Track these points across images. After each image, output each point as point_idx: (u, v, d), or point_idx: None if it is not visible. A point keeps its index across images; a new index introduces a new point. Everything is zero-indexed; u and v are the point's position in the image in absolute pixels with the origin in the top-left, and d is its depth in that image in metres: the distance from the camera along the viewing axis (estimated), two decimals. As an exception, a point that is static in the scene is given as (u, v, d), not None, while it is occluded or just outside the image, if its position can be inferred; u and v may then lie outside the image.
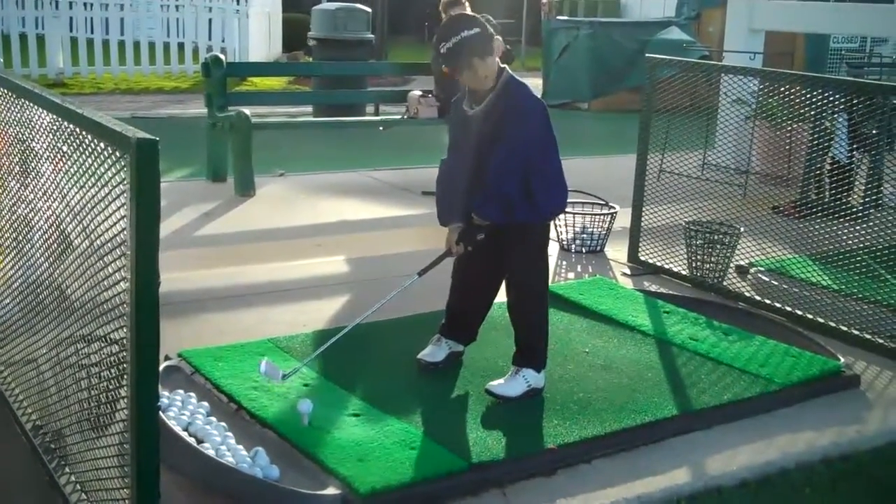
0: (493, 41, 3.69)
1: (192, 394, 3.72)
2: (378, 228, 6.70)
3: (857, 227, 5.13)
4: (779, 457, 3.58)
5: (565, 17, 16.56)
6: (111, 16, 15.88)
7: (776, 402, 3.98)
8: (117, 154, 2.49)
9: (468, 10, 7.86)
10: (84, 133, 2.74)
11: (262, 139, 7.87)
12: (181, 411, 3.54)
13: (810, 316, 4.94)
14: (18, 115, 3.46)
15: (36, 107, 3.22)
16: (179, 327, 4.48)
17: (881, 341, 4.62)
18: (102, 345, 2.82)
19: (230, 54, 15.59)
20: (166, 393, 3.64)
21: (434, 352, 4.11)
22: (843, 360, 4.36)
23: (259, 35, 17.15)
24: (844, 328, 4.78)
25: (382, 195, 7.67)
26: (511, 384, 3.83)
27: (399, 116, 8.66)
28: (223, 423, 3.50)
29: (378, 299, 4.02)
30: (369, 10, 12.28)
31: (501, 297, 4.06)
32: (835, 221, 5.26)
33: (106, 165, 2.58)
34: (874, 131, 6.06)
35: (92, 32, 15.43)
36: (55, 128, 3.03)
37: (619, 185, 6.50)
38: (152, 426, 2.53)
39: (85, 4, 16.09)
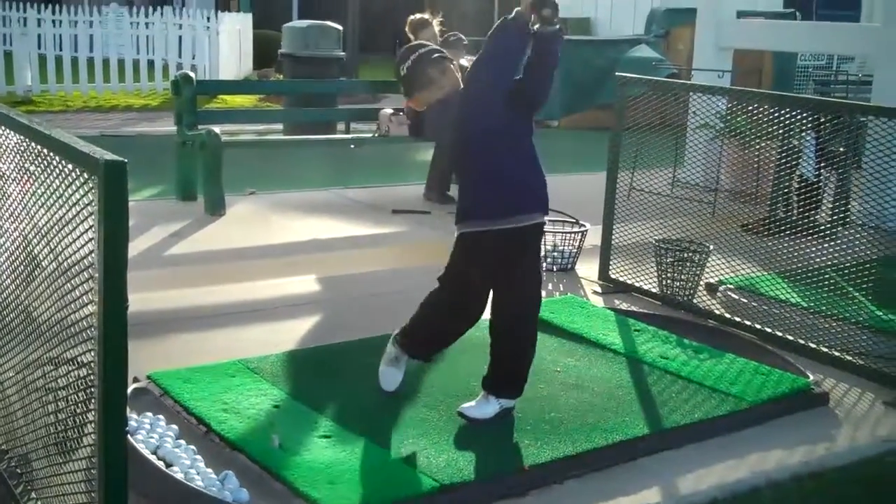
0: (438, 66, 3.70)
1: (161, 416, 3.68)
2: (349, 247, 6.68)
3: (826, 245, 5.17)
4: (749, 475, 3.59)
5: (536, 35, 16.60)
6: (80, 32, 15.81)
7: (746, 421, 4.00)
8: (85, 176, 2.47)
9: (436, 31, 7.90)
10: (52, 154, 2.71)
11: (233, 157, 7.84)
12: (150, 434, 3.51)
13: (779, 333, 4.96)
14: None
15: (2, 127, 3.19)
16: (149, 348, 4.44)
17: (849, 358, 4.66)
18: (70, 368, 2.79)
19: (200, 71, 15.55)
20: (135, 415, 3.61)
21: (395, 376, 4.04)
22: (811, 377, 4.39)
23: (230, 52, 17.11)
24: (813, 345, 4.81)
25: (353, 213, 7.66)
26: (483, 406, 3.81)
27: (370, 134, 8.65)
28: (192, 446, 3.47)
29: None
30: (340, 27, 12.29)
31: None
32: (803, 239, 5.31)
33: (74, 187, 2.56)
34: (841, 149, 6.12)
35: (60, 49, 15.35)
36: (22, 148, 3.00)
37: (589, 203, 6.51)
38: (120, 451, 2.50)
39: (53, 21, 16.02)
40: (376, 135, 8.46)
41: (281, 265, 6.09)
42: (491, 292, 3.83)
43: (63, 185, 2.64)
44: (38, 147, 2.83)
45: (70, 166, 2.58)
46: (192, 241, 6.65)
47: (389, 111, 8.35)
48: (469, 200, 3.73)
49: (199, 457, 3.39)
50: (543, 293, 5.60)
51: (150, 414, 3.68)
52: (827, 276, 5.10)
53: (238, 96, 14.70)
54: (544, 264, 6.07)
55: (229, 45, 17.11)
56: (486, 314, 3.90)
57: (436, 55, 3.76)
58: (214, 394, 3.92)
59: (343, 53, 12.51)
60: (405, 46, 3.86)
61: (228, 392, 3.94)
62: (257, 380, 4.11)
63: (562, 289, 5.79)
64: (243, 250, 6.46)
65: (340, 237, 6.93)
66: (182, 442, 3.50)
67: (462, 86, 3.72)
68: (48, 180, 2.77)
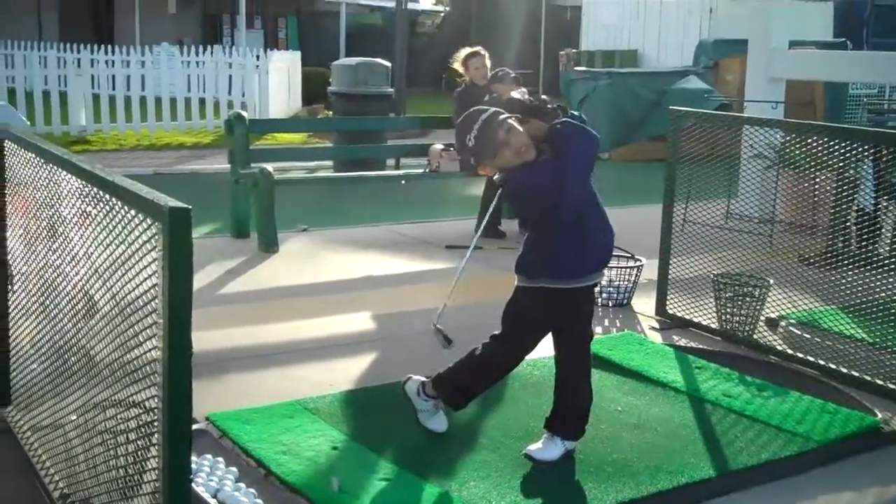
0: (503, 127, 3.60)
1: (221, 458, 3.66)
2: (402, 283, 6.66)
3: (888, 277, 5.05)
4: (820, 518, 3.49)
5: (583, 69, 16.62)
6: (132, 73, 16.05)
7: (814, 461, 3.89)
8: (148, 221, 2.48)
9: (487, 62, 7.95)
10: (115, 200, 2.72)
11: (284, 194, 7.87)
12: (209, 477, 3.49)
13: (844, 369, 4.84)
14: (47, 178, 3.45)
15: (64, 171, 3.21)
16: (204, 388, 4.42)
17: (918, 396, 4.53)
18: (132, 411, 2.78)
19: (250, 109, 15.72)
20: (194, 458, 3.58)
21: (441, 418, 4.01)
22: (880, 415, 4.28)
23: (279, 89, 17.29)
24: (880, 381, 4.68)
25: (406, 249, 7.64)
26: (550, 448, 3.76)
27: (421, 170, 8.65)
28: (252, 490, 3.44)
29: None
30: (389, 64, 12.36)
31: (532, 355, 3.95)
32: (865, 271, 5.19)
33: (137, 232, 2.56)
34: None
35: (114, 89, 15.59)
36: (84, 193, 3.02)
37: (641, 236, 6.43)
38: (184, 496, 2.48)
39: (107, 62, 16.28)
40: (427, 170, 8.45)
41: (335, 302, 6.08)
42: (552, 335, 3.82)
43: (126, 230, 2.65)
44: (101, 192, 2.84)
45: (133, 212, 2.58)
46: (246, 279, 6.67)
47: (440, 147, 8.34)
48: (545, 257, 3.66)
49: (259, 501, 3.37)
50: (600, 329, 5.60)
51: (209, 456, 3.66)
52: (892, 309, 4.98)
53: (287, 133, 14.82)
54: (599, 300, 6.01)
55: (278, 83, 17.29)
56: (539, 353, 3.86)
57: (500, 116, 3.62)
58: (273, 435, 3.89)
59: (392, 90, 12.57)
60: (465, 115, 3.71)
61: (287, 433, 3.92)
62: (315, 420, 4.08)
63: (618, 325, 5.71)
64: (297, 287, 6.46)
65: (394, 273, 6.91)
66: (242, 485, 3.48)
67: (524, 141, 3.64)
68: (111, 226, 2.78)
